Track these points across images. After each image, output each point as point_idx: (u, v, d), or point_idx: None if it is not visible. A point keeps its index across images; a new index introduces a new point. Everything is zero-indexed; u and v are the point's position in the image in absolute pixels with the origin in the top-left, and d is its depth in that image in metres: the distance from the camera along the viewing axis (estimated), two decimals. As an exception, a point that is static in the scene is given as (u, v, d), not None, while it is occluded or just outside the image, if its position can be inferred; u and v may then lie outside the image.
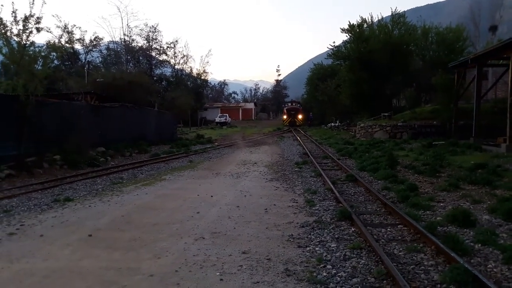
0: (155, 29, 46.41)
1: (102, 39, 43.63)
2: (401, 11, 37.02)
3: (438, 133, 23.05)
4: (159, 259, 4.74)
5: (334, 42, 41.21)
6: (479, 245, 4.94)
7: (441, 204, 7.42)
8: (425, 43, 35.08)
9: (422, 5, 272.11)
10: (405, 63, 33.68)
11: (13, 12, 13.03)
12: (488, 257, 4.60)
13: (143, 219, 6.65)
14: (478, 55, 18.29)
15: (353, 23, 37.00)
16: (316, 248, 5.08)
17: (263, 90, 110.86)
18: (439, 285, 3.88)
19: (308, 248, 5.10)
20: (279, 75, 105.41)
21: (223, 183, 10.19)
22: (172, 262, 4.64)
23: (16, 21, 13.08)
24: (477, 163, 11.66)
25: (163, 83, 48.11)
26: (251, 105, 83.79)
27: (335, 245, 5.19)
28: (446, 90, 24.27)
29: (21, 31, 13.13)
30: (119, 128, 19.19)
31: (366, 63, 33.84)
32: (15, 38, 13.13)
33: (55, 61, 29.73)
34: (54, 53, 16.85)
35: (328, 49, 41.50)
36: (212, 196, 8.42)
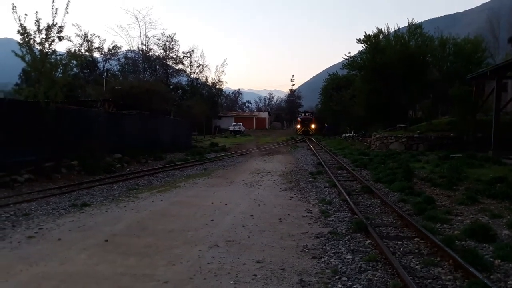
0: (172, 38, 47.14)
1: (120, 47, 44.51)
2: (418, 21, 36.83)
3: (455, 145, 22.65)
4: (174, 266, 4.76)
5: (349, 52, 41.26)
6: (499, 260, 4.82)
7: (459, 217, 7.28)
8: (443, 54, 34.71)
9: (439, 16, 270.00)
10: (422, 74, 33.35)
11: (36, 21, 13.44)
12: (509, 273, 4.48)
13: (158, 225, 6.70)
14: (498, 67, 18.03)
15: (369, 34, 36.93)
16: (331, 260, 5.04)
17: (277, 100, 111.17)
18: (457, 301, 3.81)
19: (323, 259, 5.06)
20: (293, 84, 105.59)
21: (237, 192, 10.21)
22: (187, 269, 4.66)
23: (39, 30, 13.48)
24: (496, 176, 11.41)
25: (179, 91, 48.70)
26: (265, 114, 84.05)
27: (351, 257, 5.14)
28: (463, 101, 23.89)
29: (43, 39, 13.52)
30: (135, 135, 19.45)
31: (382, 73, 33.66)
32: (37, 46, 13.52)
33: (75, 69, 30.41)
34: (74, 61, 17.27)
35: (343, 59, 41.52)
36: (226, 204, 8.44)
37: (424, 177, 12.40)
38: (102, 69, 44.58)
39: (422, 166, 15.39)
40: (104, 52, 43.58)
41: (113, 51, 44.04)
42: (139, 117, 20.67)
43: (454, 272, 4.48)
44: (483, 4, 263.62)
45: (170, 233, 6.25)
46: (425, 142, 23.97)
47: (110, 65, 45.94)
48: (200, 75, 54.09)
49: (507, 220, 6.75)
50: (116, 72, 45.55)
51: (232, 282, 4.29)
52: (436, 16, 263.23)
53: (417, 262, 4.90)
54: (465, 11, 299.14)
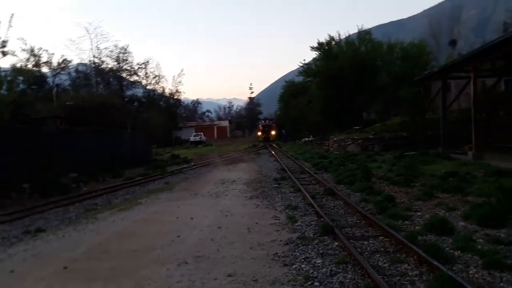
0: (125, 50, 45.88)
1: (70, 61, 42.73)
2: (367, 28, 38.53)
3: (408, 144, 23.75)
4: (142, 288, 4.58)
5: (304, 59, 42.29)
6: (459, 252, 5.06)
7: (418, 213, 7.59)
8: (391, 58, 36.35)
9: (385, 22, 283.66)
10: (373, 78, 34.80)
11: (-24, 36, 12.65)
12: (469, 263, 4.72)
13: (121, 246, 6.43)
14: (442, 68, 19.16)
15: (321, 41, 38.13)
16: (302, 265, 5.06)
17: (237, 108, 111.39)
18: (425, 295, 3.94)
19: (294, 266, 5.07)
20: (252, 92, 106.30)
21: (203, 204, 10.05)
22: (156, 289, 4.49)
23: (-20, 46, 12.69)
24: (447, 171, 12.07)
25: (135, 104, 47.42)
26: (225, 123, 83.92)
27: (321, 261, 5.19)
28: (413, 102, 25.18)
29: (-15, 55, 12.74)
30: (91, 152, 18.70)
31: (336, 79, 34.77)
32: (-21, 63, 12.71)
33: (21, 85, 28.83)
34: (21, 77, 16.39)
35: (299, 66, 42.51)
36: (192, 218, 8.27)
37: (382, 176, 12.86)
38: (52, 84, 42.59)
39: (379, 166, 15.96)
40: (53, 67, 41.64)
41: (63, 65, 42.20)
42: (94, 133, 19.89)
43: (420, 267, 4.64)
44: (425, 11, 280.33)
45: (135, 253, 6.01)
46: (380, 142, 24.92)
47: (61, 79, 44.00)
48: (156, 86, 52.98)
49: (462, 212, 7.13)
50: (67, 87, 43.69)
51: (204, 298, 4.18)
52: (383, 22, 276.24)
53: (385, 260, 5.03)
54: (409, 17, 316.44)
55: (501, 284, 4.10)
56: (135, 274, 5.07)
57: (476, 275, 4.35)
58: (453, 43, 56.23)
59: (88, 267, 5.48)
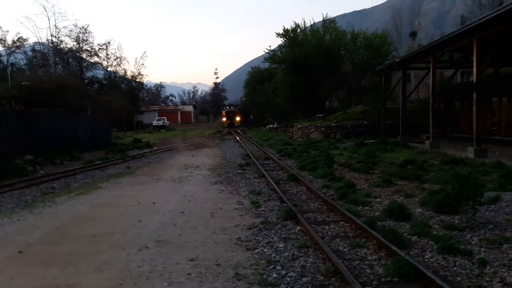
0: (85, 30, 43.85)
1: (26, 40, 40.32)
2: (331, 16, 38.88)
3: (369, 132, 24.52)
4: (101, 273, 4.44)
5: (270, 46, 42.18)
6: (416, 237, 5.28)
7: (378, 199, 7.86)
8: (354, 47, 37.08)
9: (349, 11, 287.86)
10: (337, 66, 35.40)
11: None
12: (425, 248, 4.92)
13: (80, 230, 6.21)
14: (403, 59, 19.74)
15: (287, 28, 38.12)
16: (265, 250, 5.10)
17: (201, 93, 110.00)
18: (383, 279, 4.07)
19: (256, 250, 5.10)
20: (217, 78, 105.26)
21: (165, 189, 9.88)
22: (116, 275, 4.37)
23: None
24: (406, 159, 12.57)
25: (95, 86, 45.64)
26: (190, 108, 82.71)
27: (283, 245, 5.25)
28: (374, 91, 25.95)
29: None
30: (48, 134, 17.85)
31: (301, 66, 35.04)
32: None
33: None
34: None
35: (264, 52, 42.37)
36: (154, 203, 8.10)
37: (343, 163, 13.19)
38: (6, 63, 40.02)
39: (340, 153, 16.36)
40: (8, 45, 39.16)
41: (18, 44, 39.78)
42: (51, 114, 18.95)
43: (379, 252, 4.80)
44: (387, 2, 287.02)
45: (95, 237, 5.82)
46: (341, 130, 25.54)
47: (16, 58, 41.49)
48: (118, 68, 51.27)
49: (419, 199, 7.45)
50: (23, 67, 41.23)
51: (165, 284, 4.12)
52: (346, 11, 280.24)
53: (345, 245, 5.16)
54: (372, 7, 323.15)
55: (455, 268, 4.31)
56: (94, 258, 4.91)
57: (431, 260, 4.54)
58: (413, 34, 58.21)
59: (45, 251, 5.25)
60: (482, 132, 13.92)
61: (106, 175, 12.74)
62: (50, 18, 43.11)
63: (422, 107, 23.98)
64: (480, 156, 12.28)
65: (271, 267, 4.51)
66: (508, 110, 16.24)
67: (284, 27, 38.10)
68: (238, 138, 31.38)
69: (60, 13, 50.24)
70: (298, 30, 38.19)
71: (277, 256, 4.84)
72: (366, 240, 5.23)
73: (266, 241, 5.44)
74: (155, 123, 54.32)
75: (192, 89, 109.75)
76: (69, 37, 42.73)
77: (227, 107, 61.44)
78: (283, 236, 5.67)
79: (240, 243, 5.44)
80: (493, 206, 6.45)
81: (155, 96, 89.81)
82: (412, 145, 17.30)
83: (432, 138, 16.20)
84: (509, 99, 16.68)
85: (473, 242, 5.04)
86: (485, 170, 9.66)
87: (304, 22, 38.75)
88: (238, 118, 55.91)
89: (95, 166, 14.87)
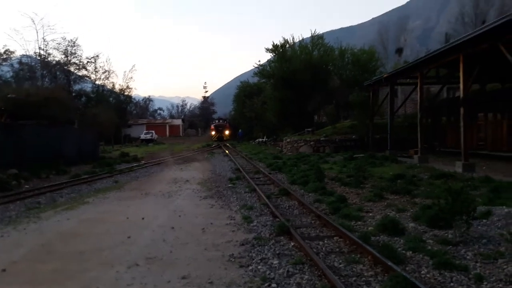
0: (74, 43, 43.50)
1: (13, 52, 39.75)
2: (319, 33, 39.49)
3: (357, 146, 24.69)
4: (89, 292, 4.28)
5: (259, 61, 42.53)
6: (410, 252, 5.23)
7: (370, 214, 7.82)
8: (342, 63, 37.57)
9: (336, 28, 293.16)
10: (325, 82, 35.76)
11: None
12: (420, 263, 4.87)
13: (67, 247, 6.01)
14: (391, 74, 20.05)
15: (276, 44, 38.57)
16: (259, 267, 4.99)
17: (190, 106, 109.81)
18: (381, 295, 4.01)
19: (250, 267, 4.98)
20: (206, 91, 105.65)
21: (154, 204, 9.69)
22: (105, 294, 4.22)
23: None
24: (395, 173, 12.64)
25: (83, 99, 45.19)
26: (178, 121, 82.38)
27: (277, 261, 5.14)
28: (362, 106, 26.25)
29: None
30: (34, 148, 17.54)
31: (290, 82, 35.36)
32: None
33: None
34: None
35: (254, 67, 42.70)
36: (143, 219, 7.92)
37: (334, 177, 13.19)
38: (-8, 75, 39.35)
39: (330, 167, 16.38)
40: (-6, 58, 38.50)
41: (5, 56, 39.16)
42: (38, 127, 18.64)
43: (375, 268, 4.73)
44: (373, 19, 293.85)
45: (82, 254, 5.63)
46: (330, 144, 25.66)
47: (2, 71, 40.82)
48: (106, 81, 50.84)
49: (411, 214, 7.45)
50: (9, 79, 40.60)
51: (157, 303, 3.98)
52: (334, 28, 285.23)
53: (340, 261, 5.08)
54: (358, 24, 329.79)
55: (452, 284, 4.26)
56: (82, 276, 4.74)
57: (428, 275, 4.49)
58: (399, 51, 59.44)
59: (30, 269, 5.05)
60: (469, 147, 14.10)
61: (94, 190, 12.48)
62: (38, 31, 42.52)
63: (409, 122, 24.31)
64: (468, 170, 12.41)
65: (266, 284, 4.41)
66: (494, 126, 16.54)
67: (273, 43, 38.62)
68: (227, 151, 31.26)
69: (49, 26, 49.72)
70: (287, 46, 38.65)
71: (271, 273, 4.73)
72: (361, 256, 5.16)
73: (260, 258, 5.33)
74: (143, 136, 53.90)
75: (181, 103, 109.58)
76: (57, 50, 42.38)
77: (216, 121, 61.76)
78: (277, 252, 5.57)
79: (233, 259, 5.32)
80: (485, 221, 6.47)
81: (143, 109, 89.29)
82: (401, 160, 17.44)
83: (421, 153, 16.35)
84: (494, 114, 17.01)
85: (468, 257, 5.02)
86: (474, 185, 9.74)
87: (293, 38, 39.27)
88: (227, 132, 56.23)
89: (82, 180, 14.57)
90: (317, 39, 38.21)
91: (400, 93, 29.46)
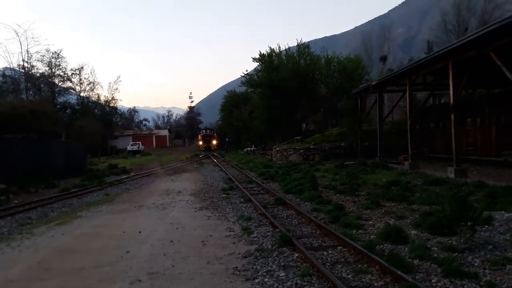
0: (58, 55, 43.05)
1: (-5, 65, 39.04)
2: (305, 41, 39.85)
3: (347, 154, 24.84)
4: (94, 312, 4.12)
5: (246, 70, 42.66)
6: (417, 260, 5.17)
7: (370, 222, 7.79)
8: (329, 71, 37.89)
9: (319, 37, 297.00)
10: (312, 90, 36.01)
11: None
12: (429, 271, 4.82)
13: (65, 264, 5.80)
14: (379, 81, 20.29)
15: (263, 53, 38.77)
16: (265, 279, 4.88)
17: (176, 117, 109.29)
18: (395, 306, 3.95)
19: (257, 280, 4.88)
20: (192, 101, 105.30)
21: (149, 216, 9.50)
22: (110, 314, 4.06)
23: None
24: (389, 180, 12.69)
25: (67, 111, 44.55)
26: (165, 132, 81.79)
27: (284, 273, 5.05)
28: (350, 114, 26.45)
29: None
30: (21, 162, 17.20)
31: (277, 90, 35.51)
32: None
33: None
34: None
35: (240, 76, 42.77)
36: (140, 232, 7.74)
37: (327, 185, 13.17)
38: (-26, 89, 38.47)
39: (322, 175, 16.37)
40: (-24, 70, 37.73)
41: (-13, 69, 38.45)
42: (25, 141, 18.25)
43: (384, 277, 4.66)
44: (356, 28, 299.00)
45: (81, 271, 5.45)
46: (320, 152, 25.74)
47: (-15, 84, 39.99)
48: (91, 93, 50.39)
49: (411, 221, 7.44)
50: (-8, 92, 39.76)
51: (166, 321, 3.85)
52: (317, 37, 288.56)
53: (348, 271, 5.00)
54: (341, 33, 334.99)
55: (464, 292, 4.24)
56: (84, 297, 4.57)
57: (439, 284, 4.43)
58: (383, 59, 60.46)
59: (28, 288, 4.85)
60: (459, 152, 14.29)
61: (85, 203, 12.19)
62: (22, 43, 41.79)
63: (397, 129, 24.63)
64: (460, 176, 12.55)
65: (276, 298, 4.31)
66: (483, 131, 16.83)
67: (260, 52, 38.80)
68: (216, 161, 31.08)
69: (33, 38, 49.09)
70: (274, 55, 38.89)
71: (279, 286, 4.64)
72: (368, 266, 5.10)
73: (265, 270, 5.23)
74: (129, 148, 53.34)
75: (167, 113, 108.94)
76: (41, 62, 41.84)
77: (204, 131, 61.62)
78: (282, 264, 5.48)
79: (237, 272, 5.22)
80: (487, 226, 6.50)
81: (128, 120, 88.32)
82: (391, 166, 17.56)
83: (411, 159, 16.51)
84: (482, 120, 17.32)
85: (475, 264, 5.00)
86: (468, 190, 9.83)
87: (279, 47, 39.53)
88: (214, 142, 56.17)
89: (72, 194, 14.24)
90: (303, 48, 38.52)
91: (387, 100, 29.82)
